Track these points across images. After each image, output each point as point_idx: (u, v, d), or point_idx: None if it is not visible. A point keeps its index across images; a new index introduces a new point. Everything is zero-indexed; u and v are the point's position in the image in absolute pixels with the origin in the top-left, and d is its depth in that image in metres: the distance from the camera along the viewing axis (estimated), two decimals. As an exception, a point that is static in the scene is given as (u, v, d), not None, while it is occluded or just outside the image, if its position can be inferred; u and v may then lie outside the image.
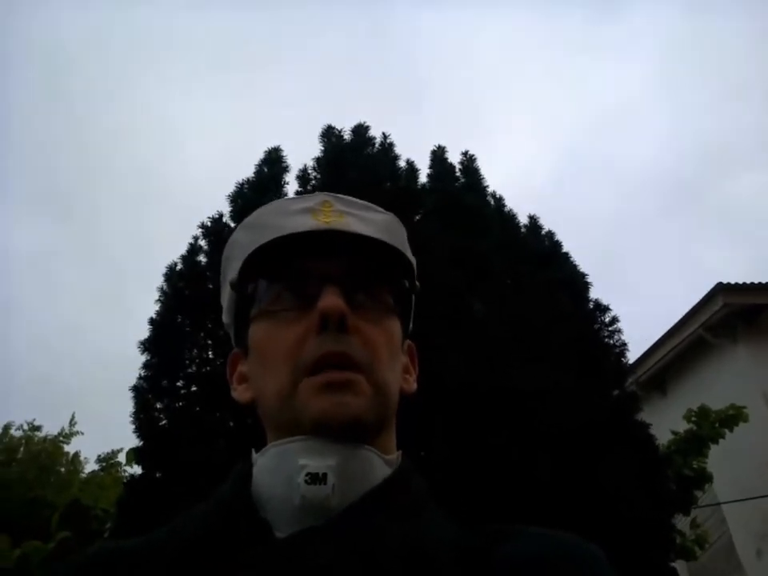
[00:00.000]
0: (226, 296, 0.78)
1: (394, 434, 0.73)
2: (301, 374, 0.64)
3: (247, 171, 4.39)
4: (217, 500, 0.68)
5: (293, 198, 0.78)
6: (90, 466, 10.90)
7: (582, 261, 4.68)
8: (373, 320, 0.69)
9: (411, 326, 0.81)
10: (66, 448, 11.08)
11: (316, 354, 0.64)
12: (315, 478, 0.60)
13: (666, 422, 5.39)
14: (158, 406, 3.85)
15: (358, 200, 0.78)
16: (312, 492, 0.60)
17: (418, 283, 0.76)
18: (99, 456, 10.62)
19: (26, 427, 11.21)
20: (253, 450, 0.70)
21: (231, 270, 0.75)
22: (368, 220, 0.75)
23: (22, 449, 10.57)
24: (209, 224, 4.18)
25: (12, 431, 11.07)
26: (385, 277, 0.72)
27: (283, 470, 0.63)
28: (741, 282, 8.12)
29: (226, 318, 0.80)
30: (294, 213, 0.73)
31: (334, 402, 0.62)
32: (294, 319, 0.67)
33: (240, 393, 0.75)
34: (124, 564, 0.63)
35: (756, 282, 8.14)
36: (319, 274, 0.67)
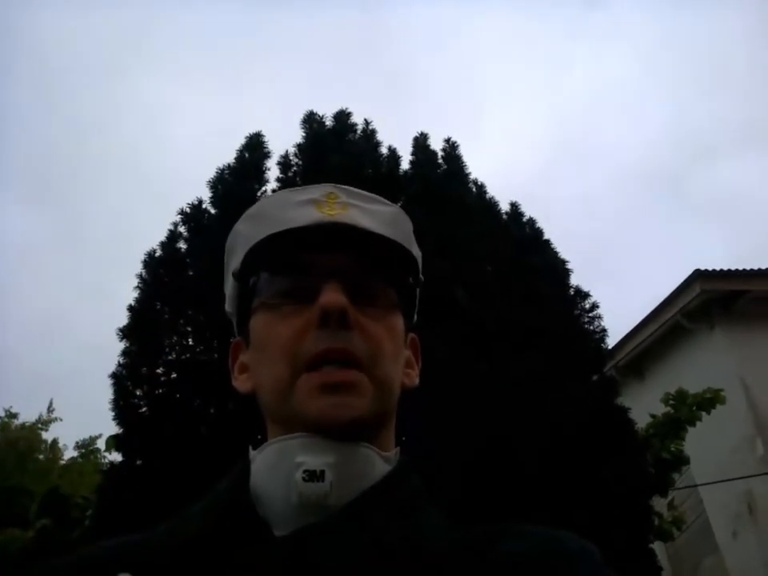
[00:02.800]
0: (229, 286, 0.77)
1: (393, 430, 0.72)
2: (299, 369, 0.64)
3: (228, 157, 4.37)
4: (215, 498, 0.67)
5: (297, 189, 0.76)
6: (69, 453, 10.84)
7: (564, 248, 4.70)
8: (375, 315, 0.68)
9: (415, 318, 0.81)
10: (45, 435, 11.02)
11: (315, 350, 0.63)
12: (313, 476, 0.60)
13: (643, 405, 5.44)
14: (138, 393, 3.83)
15: (363, 192, 0.77)
16: (310, 489, 0.60)
17: (422, 277, 0.76)
18: (77, 442, 10.57)
19: (2, 414, 11.10)
20: (250, 447, 0.70)
21: (234, 260, 0.75)
22: (373, 212, 0.74)
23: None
24: (188, 210, 4.14)
25: (-11, 419, 10.94)
26: (388, 272, 0.71)
27: (281, 467, 0.62)
28: (718, 268, 8.22)
29: (228, 307, 0.80)
30: (299, 204, 0.72)
31: (332, 402, 0.62)
32: (295, 313, 0.67)
33: (241, 383, 0.74)
34: (122, 563, 0.62)
35: (733, 268, 8.25)
36: (322, 268, 0.67)
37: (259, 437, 0.71)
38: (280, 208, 0.73)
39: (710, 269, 8.17)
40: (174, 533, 0.65)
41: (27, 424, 10.99)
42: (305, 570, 0.56)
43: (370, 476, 0.64)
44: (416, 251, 0.78)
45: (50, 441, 10.97)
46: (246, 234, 0.74)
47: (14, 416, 11.19)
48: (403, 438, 0.75)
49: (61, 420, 11.29)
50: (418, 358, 0.80)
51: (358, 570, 0.56)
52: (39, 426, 11.03)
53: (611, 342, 5.56)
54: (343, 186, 0.76)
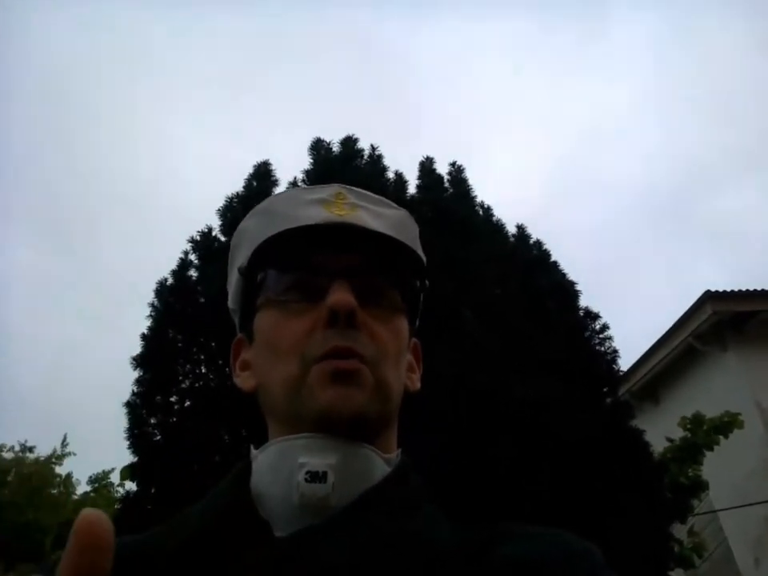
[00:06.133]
0: (233, 282, 0.77)
1: (396, 432, 0.72)
2: (308, 365, 0.64)
3: (237, 185, 4.43)
4: (215, 498, 0.67)
5: (306, 188, 0.77)
6: (82, 488, 10.82)
7: (573, 271, 4.69)
8: (381, 317, 0.68)
9: (417, 323, 0.81)
10: (58, 469, 11.01)
11: (323, 348, 0.64)
12: (315, 477, 0.60)
13: (659, 430, 5.39)
14: (152, 422, 3.84)
15: (371, 194, 0.77)
16: (311, 490, 0.60)
17: (427, 282, 0.76)
18: (90, 477, 10.55)
19: (17, 448, 11.11)
20: (252, 447, 0.70)
21: (240, 256, 0.75)
22: (381, 214, 0.74)
23: (13, 471, 10.47)
24: (198, 238, 4.19)
25: (3, 453, 10.96)
26: (395, 274, 0.71)
27: (283, 467, 0.63)
28: (729, 289, 8.18)
29: (231, 303, 0.80)
30: (307, 203, 0.72)
31: (340, 394, 0.62)
32: (303, 311, 0.67)
33: (243, 380, 0.74)
34: (121, 563, 0.62)
35: (744, 289, 8.20)
36: (330, 267, 0.67)
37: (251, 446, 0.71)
38: (289, 206, 0.73)
39: (721, 290, 8.13)
40: (174, 533, 0.64)
41: (41, 459, 11.00)
42: (305, 571, 0.56)
43: (371, 477, 0.64)
44: (422, 254, 0.78)
45: (63, 475, 10.97)
46: (253, 230, 0.75)
47: (30, 449, 11.21)
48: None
49: (74, 455, 11.30)
50: (419, 363, 0.80)
51: (358, 571, 0.56)
52: (53, 460, 11.04)
53: (623, 365, 5.53)
54: (351, 187, 0.76)
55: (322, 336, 0.65)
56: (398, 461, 0.69)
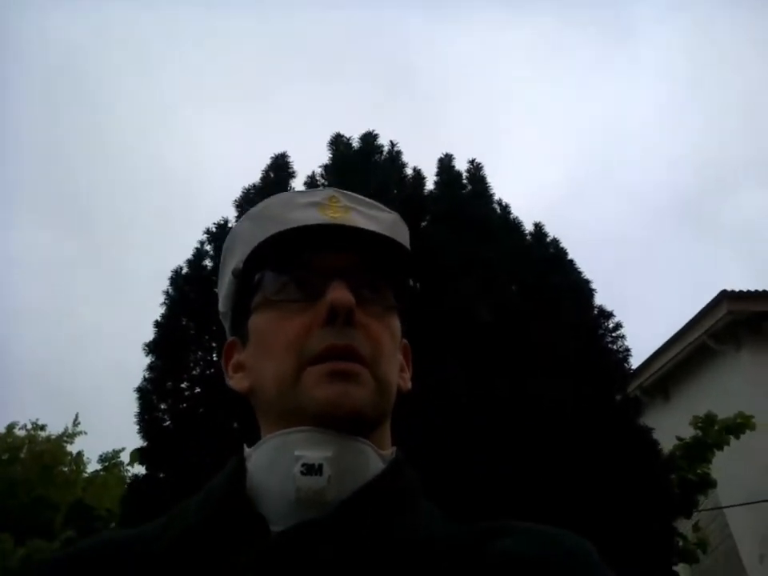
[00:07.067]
0: (225, 285, 0.78)
1: (389, 430, 0.73)
2: (305, 363, 0.64)
3: (254, 177, 4.43)
4: (210, 493, 0.67)
5: (300, 192, 0.78)
6: (93, 466, 10.94)
7: (589, 270, 4.67)
8: (376, 315, 0.69)
9: (406, 324, 0.80)
10: (69, 448, 11.14)
11: (321, 346, 0.64)
12: (311, 469, 0.60)
13: (669, 426, 5.38)
14: (163, 407, 3.87)
15: (364, 197, 0.78)
16: (308, 483, 0.60)
17: (418, 284, 0.77)
18: (101, 456, 10.66)
19: (29, 426, 11.24)
20: (245, 446, 0.70)
21: (233, 259, 0.76)
22: (373, 217, 0.75)
23: (25, 448, 10.60)
24: (214, 230, 4.20)
25: (16, 430, 11.09)
26: (388, 273, 0.72)
27: (279, 461, 0.63)
28: (745, 289, 8.12)
29: (222, 306, 0.80)
30: (301, 206, 0.73)
31: (338, 391, 0.62)
32: (299, 310, 0.67)
33: (237, 381, 0.74)
34: (118, 556, 0.63)
35: (761, 289, 8.13)
36: (325, 268, 0.68)
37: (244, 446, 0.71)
38: (283, 209, 0.74)
39: (737, 290, 8.06)
40: (169, 527, 0.65)
41: (52, 437, 11.12)
42: (300, 566, 0.56)
43: (366, 472, 0.64)
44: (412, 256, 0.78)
45: (74, 454, 11.09)
46: (247, 233, 0.75)
47: (42, 428, 11.34)
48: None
49: (86, 433, 11.43)
50: (409, 363, 0.81)
51: (352, 566, 0.56)
52: (65, 439, 11.16)
53: (635, 362, 5.52)
54: (344, 191, 0.77)
55: (320, 334, 0.65)
56: (394, 457, 0.69)
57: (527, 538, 0.60)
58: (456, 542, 0.61)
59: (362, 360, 0.65)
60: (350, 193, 0.77)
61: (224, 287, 0.78)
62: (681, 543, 4.33)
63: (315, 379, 0.63)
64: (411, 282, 0.77)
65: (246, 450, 0.69)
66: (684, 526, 4.62)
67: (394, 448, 0.72)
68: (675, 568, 3.76)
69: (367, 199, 0.78)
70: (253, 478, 0.65)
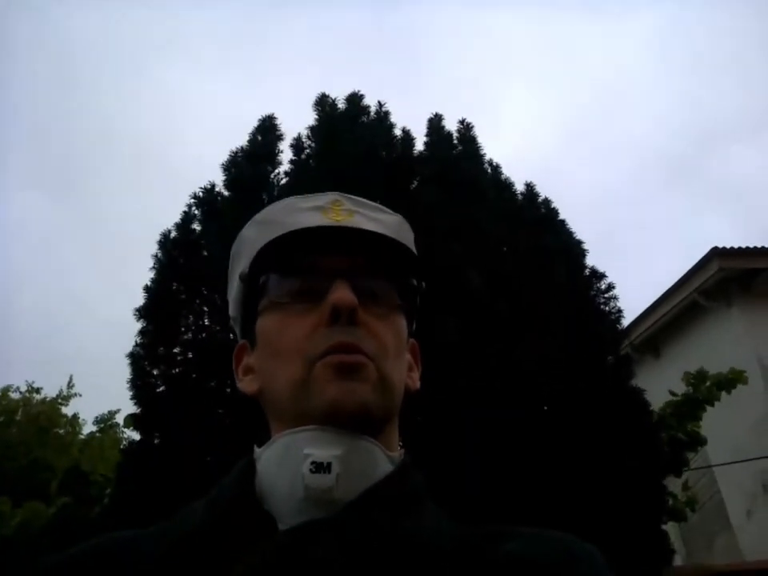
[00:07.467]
0: (234, 289, 0.79)
1: (397, 431, 0.74)
2: (313, 362, 0.65)
3: (242, 140, 4.35)
4: (219, 493, 0.68)
5: (303, 197, 0.79)
6: (88, 428, 11.02)
7: (579, 227, 4.65)
8: (380, 315, 0.70)
9: (414, 325, 0.82)
10: (64, 410, 11.20)
11: (326, 344, 0.65)
12: (320, 467, 0.61)
13: (659, 384, 5.42)
14: (155, 373, 3.86)
15: (367, 201, 0.79)
16: (316, 481, 0.61)
17: (424, 283, 0.77)
18: (96, 418, 10.73)
19: (24, 389, 11.29)
20: (255, 446, 0.71)
21: (240, 264, 0.77)
22: (377, 219, 0.76)
23: (20, 411, 10.65)
24: (201, 194, 4.14)
25: (11, 393, 11.13)
26: (392, 274, 0.73)
27: (289, 459, 0.64)
28: (736, 246, 8.13)
29: (232, 311, 0.82)
30: (305, 210, 0.75)
31: (345, 389, 0.63)
32: (304, 312, 0.68)
33: (246, 384, 0.75)
34: (124, 555, 0.63)
35: (751, 246, 8.15)
36: (329, 269, 0.69)
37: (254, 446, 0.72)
38: (287, 214, 0.75)
39: (728, 246, 8.08)
40: (178, 527, 0.66)
41: (48, 399, 11.17)
42: (306, 564, 0.56)
43: (374, 472, 0.65)
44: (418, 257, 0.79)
45: (69, 416, 11.16)
46: (252, 238, 0.76)
47: (37, 390, 11.39)
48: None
49: (80, 395, 11.49)
50: (417, 362, 0.82)
51: (358, 566, 0.56)
52: (60, 401, 11.21)
53: (627, 320, 5.53)
54: (348, 195, 0.79)
55: (324, 334, 0.66)
56: (401, 458, 0.70)
57: (533, 542, 0.61)
58: (462, 544, 0.62)
59: (367, 355, 0.66)
60: (353, 197, 0.79)
61: (233, 291, 0.80)
62: (670, 502, 4.40)
63: (323, 373, 0.64)
64: (416, 282, 0.76)
65: (256, 450, 0.70)
66: (673, 483, 4.69)
67: (401, 450, 0.73)
68: (664, 527, 3.82)
69: (371, 202, 0.80)
70: (262, 478, 0.66)
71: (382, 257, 0.71)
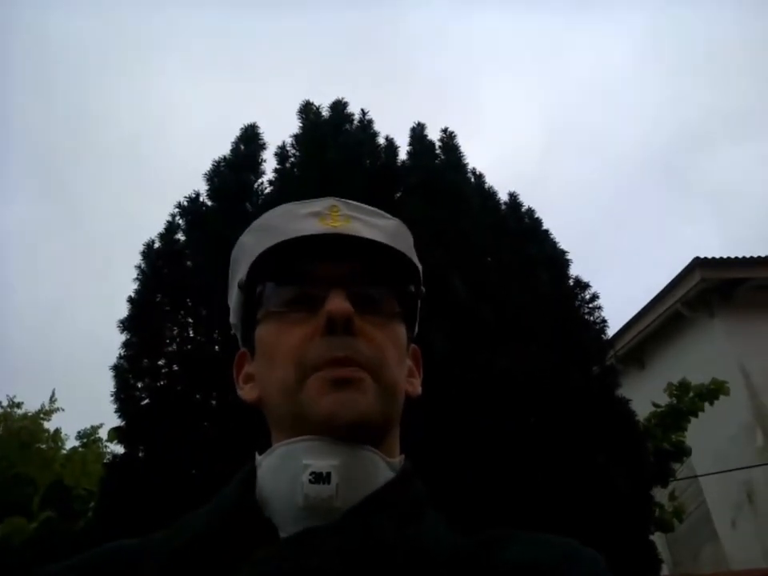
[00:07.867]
0: (234, 297, 0.79)
1: (398, 437, 0.74)
2: (307, 372, 0.65)
3: (225, 149, 4.33)
4: (220, 501, 0.68)
5: (301, 202, 0.79)
6: (71, 443, 10.87)
7: (564, 237, 4.67)
8: (378, 323, 0.70)
9: (416, 330, 0.83)
10: (46, 425, 11.04)
11: (322, 357, 0.65)
12: (319, 477, 0.62)
13: (644, 394, 5.44)
14: (139, 386, 3.83)
15: (365, 205, 0.79)
16: (315, 491, 0.61)
17: (423, 288, 0.77)
18: (79, 432, 10.59)
19: (5, 403, 11.12)
20: (256, 453, 0.71)
21: (239, 271, 0.77)
22: (375, 225, 0.76)
23: (1, 426, 10.50)
24: (185, 204, 4.12)
25: (-8, 408, 10.96)
26: (390, 281, 0.73)
27: (288, 469, 0.64)
28: (718, 256, 8.21)
29: (233, 318, 0.82)
30: (302, 217, 0.74)
31: (341, 400, 0.63)
32: (301, 320, 0.69)
33: (246, 392, 0.76)
34: (126, 564, 0.63)
35: (733, 256, 8.23)
36: (326, 277, 0.69)
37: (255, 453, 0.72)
38: (284, 220, 0.75)
39: (710, 257, 8.16)
40: (178, 535, 0.65)
41: (29, 414, 11.02)
42: (307, 572, 0.56)
43: (374, 480, 0.65)
44: (417, 262, 0.79)
45: (52, 431, 11.01)
46: (250, 245, 0.76)
47: (18, 405, 11.22)
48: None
49: (63, 410, 11.33)
50: (419, 368, 0.82)
51: (358, 573, 0.56)
52: (41, 416, 11.06)
53: (611, 331, 5.56)
54: (346, 200, 0.78)
55: (321, 343, 0.66)
56: (402, 466, 0.71)
57: (534, 547, 0.61)
58: (462, 551, 0.62)
59: (363, 366, 0.65)
60: (351, 201, 0.78)
61: (232, 299, 0.80)
62: (657, 512, 4.41)
63: (317, 387, 0.64)
64: (415, 288, 0.77)
65: (257, 457, 0.71)
66: (659, 494, 4.70)
67: (402, 456, 0.72)
68: (651, 537, 3.82)
69: (369, 207, 0.79)
70: (263, 486, 0.67)
71: (379, 263, 0.71)
